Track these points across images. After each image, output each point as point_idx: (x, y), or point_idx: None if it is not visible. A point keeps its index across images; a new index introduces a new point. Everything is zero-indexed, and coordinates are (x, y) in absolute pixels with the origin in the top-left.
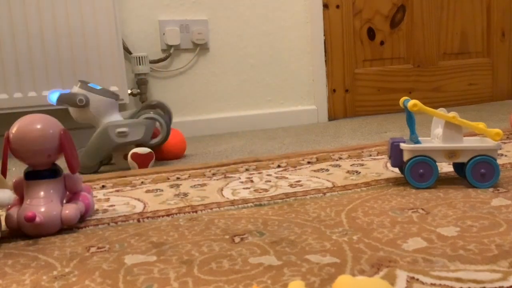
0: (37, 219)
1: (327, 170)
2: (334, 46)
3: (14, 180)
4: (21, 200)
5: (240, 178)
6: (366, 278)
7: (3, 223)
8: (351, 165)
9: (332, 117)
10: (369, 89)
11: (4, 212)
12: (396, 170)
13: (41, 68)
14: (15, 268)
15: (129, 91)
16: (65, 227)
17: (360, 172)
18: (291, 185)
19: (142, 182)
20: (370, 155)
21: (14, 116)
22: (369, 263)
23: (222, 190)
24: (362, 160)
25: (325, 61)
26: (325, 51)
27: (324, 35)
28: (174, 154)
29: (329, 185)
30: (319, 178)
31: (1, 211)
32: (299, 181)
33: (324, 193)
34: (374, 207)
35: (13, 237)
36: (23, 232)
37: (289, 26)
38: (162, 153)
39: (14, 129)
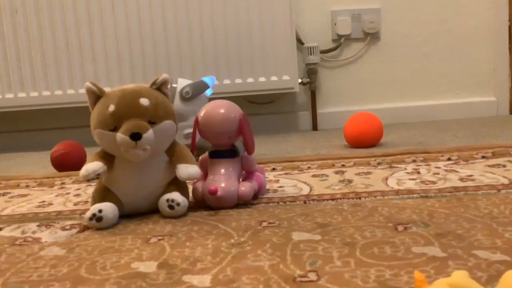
0: (219, 193)
1: (504, 166)
2: None
3: (200, 158)
4: (205, 175)
5: (406, 169)
6: None
7: (190, 194)
8: None
9: None
10: None
11: (191, 185)
12: None
13: (224, 57)
14: (200, 234)
15: (300, 80)
16: (241, 203)
17: None
18: (461, 179)
19: (308, 167)
20: None
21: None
22: None
23: (387, 179)
24: None
25: (509, 48)
26: (510, 38)
27: (508, 20)
28: (371, 141)
29: (505, 181)
30: (494, 173)
31: (189, 184)
32: (470, 175)
33: (499, 190)
34: None
35: (198, 208)
36: (206, 203)
37: (469, 12)
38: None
39: (202, 112)
